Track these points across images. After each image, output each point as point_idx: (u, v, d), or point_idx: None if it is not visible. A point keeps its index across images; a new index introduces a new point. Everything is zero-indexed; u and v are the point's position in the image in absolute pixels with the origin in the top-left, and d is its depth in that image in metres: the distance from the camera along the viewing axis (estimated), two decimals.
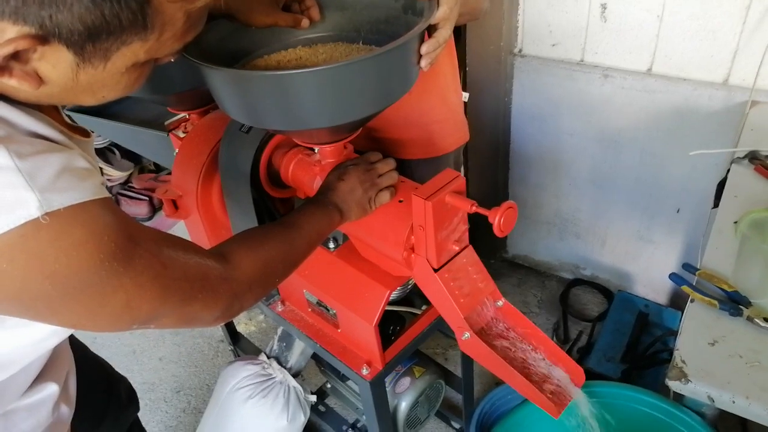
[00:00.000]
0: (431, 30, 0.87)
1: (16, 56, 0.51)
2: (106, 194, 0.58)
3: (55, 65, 0.53)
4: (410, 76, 0.87)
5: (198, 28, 0.62)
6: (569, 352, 1.91)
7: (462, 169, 1.60)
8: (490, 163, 2.02)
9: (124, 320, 0.61)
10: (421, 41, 0.85)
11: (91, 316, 0.59)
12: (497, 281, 2.43)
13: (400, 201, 0.97)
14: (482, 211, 0.85)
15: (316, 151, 1.02)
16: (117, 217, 0.57)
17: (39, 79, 0.54)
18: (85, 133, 0.68)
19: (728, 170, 1.28)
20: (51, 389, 0.81)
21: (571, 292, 2.13)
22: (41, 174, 0.51)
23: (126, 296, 0.58)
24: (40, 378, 0.80)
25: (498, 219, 0.82)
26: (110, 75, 0.57)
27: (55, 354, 0.83)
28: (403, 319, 1.23)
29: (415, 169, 1.37)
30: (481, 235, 1.85)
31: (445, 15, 0.85)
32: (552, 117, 1.80)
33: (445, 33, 0.87)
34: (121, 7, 0.51)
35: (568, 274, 2.19)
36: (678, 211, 1.77)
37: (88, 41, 0.52)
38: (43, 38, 0.50)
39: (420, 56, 0.86)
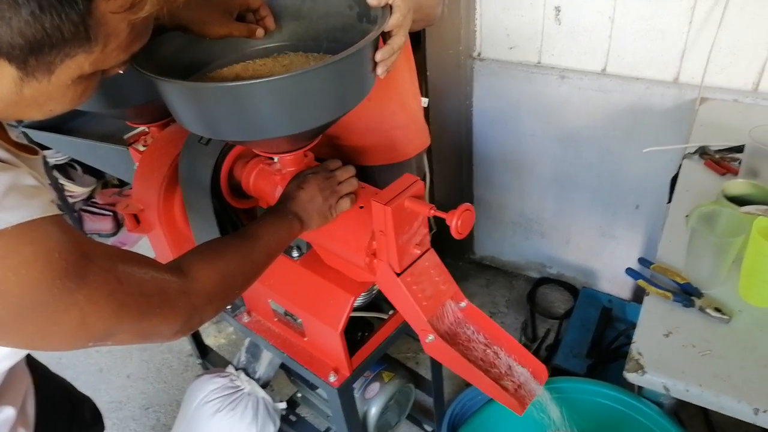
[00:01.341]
0: (385, 37, 0.88)
1: None
2: (56, 211, 0.57)
3: None
4: (366, 83, 0.88)
5: (144, 39, 0.61)
6: (538, 349, 1.94)
7: (426, 173, 1.61)
8: (454, 165, 2.05)
9: (79, 338, 0.60)
10: (376, 49, 0.86)
11: (45, 335, 0.58)
12: (465, 283, 2.43)
13: (361, 207, 0.98)
14: (440, 214, 0.86)
15: (276, 160, 1.03)
16: (68, 234, 0.57)
17: None
18: (33, 151, 0.67)
19: (680, 165, 1.32)
20: (7, 413, 0.80)
21: (538, 290, 2.17)
22: None
23: (80, 314, 0.58)
24: None
25: (455, 221, 0.84)
26: (56, 88, 0.56)
27: (10, 376, 0.81)
28: (371, 324, 1.24)
29: (377, 176, 1.38)
30: (448, 237, 1.85)
31: (398, 22, 0.86)
32: (512, 118, 1.83)
33: (399, 40, 0.88)
34: (62, 19, 0.50)
35: (534, 273, 2.23)
36: (637, 207, 1.82)
37: (30, 55, 0.51)
38: None
39: (375, 63, 0.87)
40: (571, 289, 2.13)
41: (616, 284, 2.03)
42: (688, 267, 1.02)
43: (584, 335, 1.79)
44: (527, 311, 2.09)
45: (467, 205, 0.84)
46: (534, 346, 1.96)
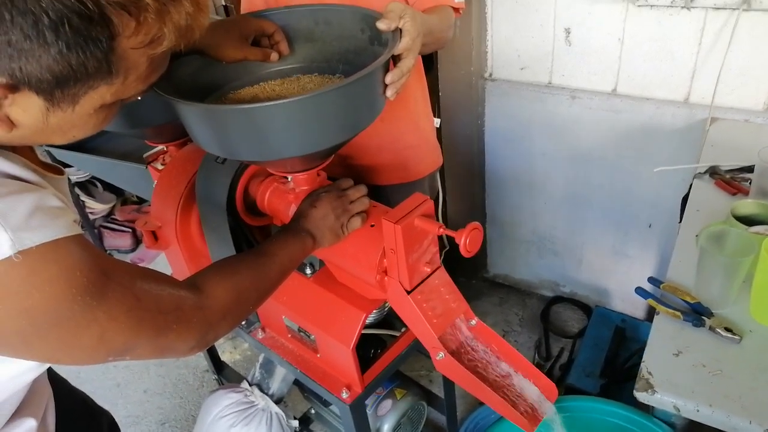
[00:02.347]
0: (396, 60, 0.91)
1: None
2: (78, 231, 0.60)
3: (26, 110, 0.56)
4: (376, 104, 0.90)
5: (161, 70, 0.64)
6: (551, 368, 1.94)
7: (439, 191, 1.63)
8: (467, 184, 2.06)
9: (99, 352, 0.63)
10: (386, 71, 0.89)
11: (67, 349, 0.61)
12: (478, 301, 2.43)
13: (372, 225, 1.00)
14: (449, 232, 0.88)
15: (290, 179, 1.05)
16: (89, 253, 0.59)
17: (11, 123, 0.57)
18: (59, 171, 0.70)
19: (691, 185, 1.32)
20: (29, 424, 0.82)
21: (551, 309, 2.16)
22: (14, 214, 0.53)
23: (100, 329, 0.60)
24: (18, 413, 0.81)
25: (464, 239, 0.86)
26: (79, 117, 0.59)
27: (32, 389, 0.84)
28: (383, 342, 1.25)
29: (390, 195, 1.40)
30: (461, 255, 1.85)
31: (407, 46, 0.89)
32: (524, 138, 1.85)
33: (408, 63, 0.91)
34: (86, 56, 0.53)
35: (548, 292, 2.22)
36: (650, 226, 1.82)
37: (56, 88, 0.55)
38: (13, 87, 0.53)
39: (385, 86, 0.89)
40: (585, 307, 2.12)
41: (629, 303, 2.02)
42: (698, 286, 1.03)
43: (597, 354, 1.78)
44: (540, 330, 2.09)
45: (475, 224, 0.86)
46: (548, 365, 1.95)
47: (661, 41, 1.49)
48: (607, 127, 1.68)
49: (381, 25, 0.88)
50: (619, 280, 1.99)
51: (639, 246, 1.88)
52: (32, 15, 0.50)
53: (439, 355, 0.97)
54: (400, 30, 0.89)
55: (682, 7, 1.41)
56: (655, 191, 1.73)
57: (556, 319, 2.14)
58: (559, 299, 2.18)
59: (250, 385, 1.41)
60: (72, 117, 0.59)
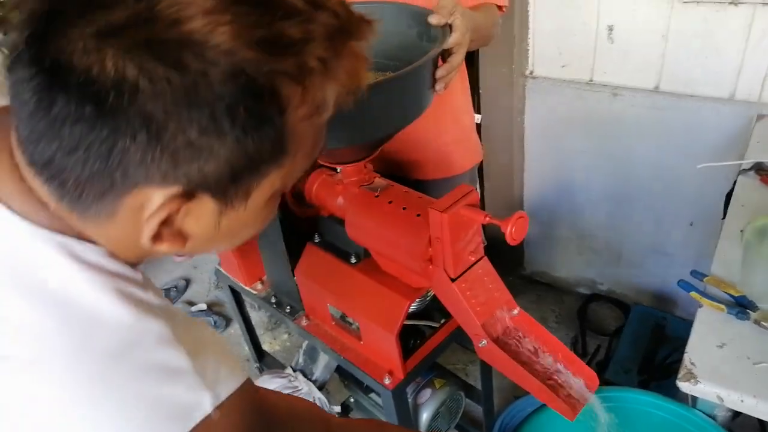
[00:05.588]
0: (445, 55, 0.94)
1: (165, 222, 0.48)
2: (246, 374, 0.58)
3: (199, 218, 0.50)
4: (424, 98, 0.94)
5: (323, 140, 0.57)
6: (587, 365, 1.93)
7: (477, 188, 1.66)
8: (506, 180, 2.08)
9: None
10: (435, 66, 0.92)
11: None
12: (515, 298, 2.44)
13: (418, 215, 1.03)
14: (495, 221, 0.90)
15: (338, 170, 1.09)
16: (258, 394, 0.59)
17: (184, 238, 0.51)
18: None
19: (735, 181, 1.32)
20: None
21: (589, 307, 2.16)
22: (209, 369, 0.51)
23: None
24: None
25: (510, 228, 0.88)
26: (250, 212, 0.53)
27: None
28: (423, 333, 1.28)
29: (432, 190, 1.43)
30: (498, 252, 1.87)
31: (457, 41, 0.92)
32: (564, 135, 1.86)
33: (458, 58, 0.94)
34: (262, 139, 0.47)
35: (585, 289, 2.22)
36: (691, 225, 1.80)
37: (231, 184, 0.48)
38: (189, 194, 0.47)
39: (435, 80, 0.92)
40: (623, 305, 2.11)
41: (668, 302, 2.01)
42: (743, 280, 1.03)
43: (635, 352, 1.78)
44: (577, 327, 2.09)
45: (521, 212, 0.88)
46: (584, 362, 1.95)
47: (707, 38, 1.48)
48: (649, 125, 1.68)
49: (432, 20, 0.92)
50: (658, 278, 1.98)
51: (679, 244, 1.86)
52: (207, 105, 0.43)
53: (482, 342, 0.99)
54: (450, 26, 0.92)
55: (730, 3, 1.41)
56: (697, 189, 1.72)
57: (594, 317, 2.13)
58: (596, 297, 2.17)
59: (294, 370, 1.46)
60: (244, 215, 0.52)
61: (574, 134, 1.83)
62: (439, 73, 0.91)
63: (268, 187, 0.52)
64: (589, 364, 1.93)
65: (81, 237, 0.50)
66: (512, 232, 0.88)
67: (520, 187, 2.08)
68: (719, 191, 1.64)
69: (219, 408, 0.50)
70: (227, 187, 0.48)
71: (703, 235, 1.79)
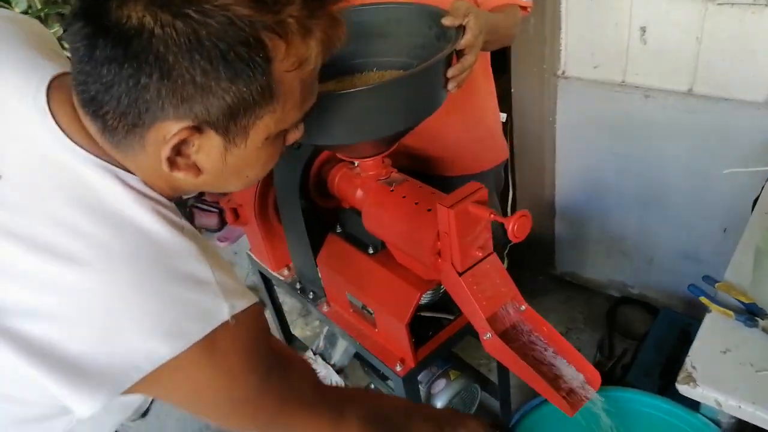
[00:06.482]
0: (459, 56, 0.97)
1: (179, 152, 0.59)
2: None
3: (209, 153, 0.61)
4: (437, 97, 0.98)
5: (313, 97, 0.67)
6: (613, 368, 1.93)
7: (509, 188, 1.66)
8: (538, 181, 2.08)
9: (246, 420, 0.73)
10: (448, 66, 0.96)
11: (234, 413, 0.71)
12: (544, 297, 2.45)
13: (429, 210, 1.07)
14: (499, 219, 0.93)
15: (356, 164, 1.14)
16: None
17: (198, 170, 0.62)
18: None
19: (762, 187, 1.29)
20: None
21: (618, 310, 2.14)
22: (227, 285, 0.62)
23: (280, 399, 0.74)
24: None
25: (512, 226, 0.91)
26: (251, 151, 0.63)
27: None
28: (441, 325, 1.32)
29: (455, 186, 1.46)
30: (530, 252, 1.90)
31: (469, 42, 0.95)
32: (596, 137, 1.85)
33: (470, 59, 0.97)
34: (252, 82, 0.57)
35: (615, 292, 2.20)
36: (725, 231, 1.77)
37: (230, 121, 0.58)
38: (198, 129, 0.58)
39: (447, 79, 0.96)
40: (653, 310, 2.09)
41: (699, 308, 1.96)
42: (754, 287, 1.02)
43: (659, 356, 1.76)
44: (604, 329, 2.08)
45: (524, 211, 0.91)
46: (609, 364, 1.94)
47: (742, 40, 1.45)
48: (682, 128, 1.66)
49: (445, 21, 0.95)
50: (689, 284, 1.94)
51: (712, 251, 1.83)
52: (207, 50, 0.54)
53: (487, 336, 1.02)
54: (464, 27, 0.95)
55: (766, 5, 1.38)
56: (731, 195, 1.68)
57: (622, 320, 2.11)
58: (626, 300, 2.15)
59: (314, 354, 1.52)
60: (245, 153, 0.62)
61: (605, 135, 1.82)
62: (451, 72, 0.94)
63: (263, 128, 0.61)
64: (614, 367, 1.93)
65: (122, 168, 0.62)
66: (514, 229, 0.91)
67: (551, 186, 2.08)
68: (752, 198, 1.61)
69: (234, 317, 0.60)
70: (228, 124, 0.58)
71: (738, 242, 1.75)
